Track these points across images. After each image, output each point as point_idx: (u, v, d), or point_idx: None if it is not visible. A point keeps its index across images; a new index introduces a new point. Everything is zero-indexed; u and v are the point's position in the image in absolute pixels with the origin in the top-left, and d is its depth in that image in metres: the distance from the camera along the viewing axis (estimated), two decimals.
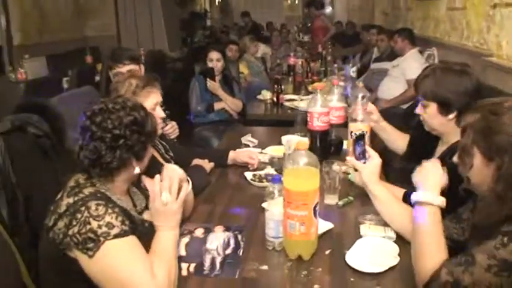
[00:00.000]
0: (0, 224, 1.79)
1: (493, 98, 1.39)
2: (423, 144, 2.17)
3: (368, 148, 1.82)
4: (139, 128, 1.51)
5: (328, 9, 11.10)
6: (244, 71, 5.50)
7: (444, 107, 1.88)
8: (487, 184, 1.32)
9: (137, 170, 1.55)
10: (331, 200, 2.03)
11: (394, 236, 1.70)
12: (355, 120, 2.24)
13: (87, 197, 1.41)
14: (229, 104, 4.11)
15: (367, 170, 1.76)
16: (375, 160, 1.78)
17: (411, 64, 4.66)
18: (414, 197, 1.49)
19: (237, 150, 2.61)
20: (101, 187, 1.49)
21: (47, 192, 2.31)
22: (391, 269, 1.51)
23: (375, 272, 1.50)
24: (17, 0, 6.25)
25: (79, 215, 1.36)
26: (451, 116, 1.89)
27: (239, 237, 1.74)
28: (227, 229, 1.80)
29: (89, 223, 1.35)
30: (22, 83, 4.12)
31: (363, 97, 2.31)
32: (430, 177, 1.51)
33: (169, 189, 1.52)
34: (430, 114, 1.94)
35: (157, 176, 1.54)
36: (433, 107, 1.91)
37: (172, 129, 2.82)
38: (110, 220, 1.37)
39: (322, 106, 2.42)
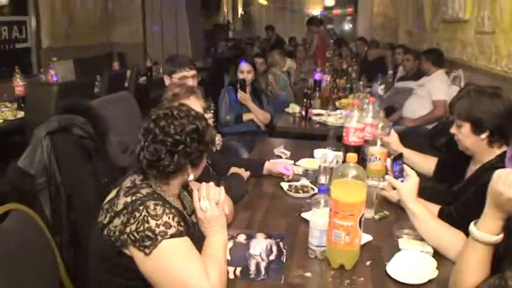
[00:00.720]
0: (43, 223, 1.82)
1: None
2: (454, 164, 2.23)
3: (406, 167, 1.88)
4: (199, 137, 1.58)
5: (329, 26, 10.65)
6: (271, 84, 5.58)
7: (477, 127, 1.95)
8: None
9: (191, 177, 1.63)
10: (368, 213, 2.07)
11: (431, 250, 1.75)
12: (374, 145, 2.39)
13: (145, 196, 1.48)
14: (258, 115, 4.18)
15: (406, 188, 1.82)
16: (412, 179, 1.84)
17: (437, 85, 4.70)
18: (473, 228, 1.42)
19: (271, 161, 2.67)
20: (157, 188, 1.56)
21: (88, 193, 2.40)
22: (430, 281, 1.56)
23: (415, 284, 1.55)
24: (48, 3, 6.40)
25: (137, 214, 1.42)
26: (484, 135, 1.96)
27: (281, 244, 1.79)
28: (268, 236, 1.86)
29: (147, 222, 1.41)
30: (55, 86, 4.21)
31: (382, 127, 2.48)
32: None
33: (206, 196, 1.59)
34: (463, 134, 2.01)
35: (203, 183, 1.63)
36: (466, 126, 1.98)
37: (219, 140, 3.07)
38: (168, 220, 1.43)
39: (358, 122, 2.49)
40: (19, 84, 4.52)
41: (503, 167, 1.42)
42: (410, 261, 1.67)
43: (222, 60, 7.40)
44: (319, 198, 1.69)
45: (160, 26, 8.85)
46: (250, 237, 1.85)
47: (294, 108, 4.24)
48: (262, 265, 1.66)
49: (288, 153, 2.93)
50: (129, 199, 1.47)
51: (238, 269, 1.63)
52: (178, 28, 9.17)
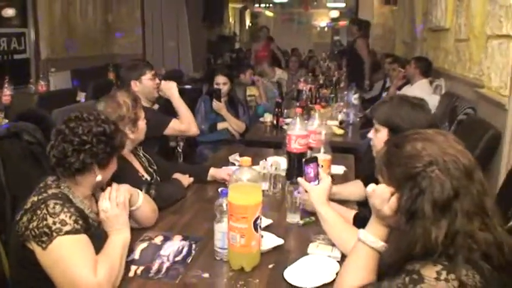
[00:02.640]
0: None
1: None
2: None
3: (320, 171, 1.91)
4: (106, 139, 1.69)
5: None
6: (255, 94, 5.63)
7: (394, 133, 1.94)
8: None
9: (99, 178, 1.71)
10: (293, 218, 2.11)
11: (339, 256, 1.76)
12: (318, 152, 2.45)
13: (49, 196, 1.59)
14: (232, 124, 4.24)
15: (316, 191, 1.84)
16: (324, 182, 1.86)
17: (416, 94, 4.69)
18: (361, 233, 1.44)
19: (223, 168, 2.71)
20: (65, 189, 1.66)
21: None
22: (324, 285, 1.58)
23: (307, 287, 1.57)
24: (47, 14, 6.55)
25: (39, 212, 1.54)
26: None
27: (193, 246, 1.84)
28: (185, 238, 1.90)
29: (46, 219, 1.52)
30: (36, 95, 4.34)
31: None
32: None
33: (108, 197, 1.70)
34: (380, 139, 2.00)
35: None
36: (384, 132, 1.98)
37: None
38: (64, 218, 1.53)
39: (300, 129, 2.52)
40: (6, 94, 4.67)
41: None
42: (312, 265, 1.70)
43: (213, 71, 7.48)
44: (222, 201, 1.73)
45: (161, 37, 8.98)
46: (166, 239, 1.90)
47: (266, 117, 4.28)
48: (165, 265, 1.70)
49: None
50: (36, 198, 1.60)
51: (141, 268, 1.68)
52: (180, 39, 9.30)
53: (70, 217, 1.54)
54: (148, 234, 1.94)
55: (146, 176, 2.34)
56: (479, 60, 3.73)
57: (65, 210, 1.55)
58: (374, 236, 1.40)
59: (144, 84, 3.13)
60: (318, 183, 1.89)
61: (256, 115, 4.92)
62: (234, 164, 2.93)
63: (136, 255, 1.77)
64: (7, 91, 4.71)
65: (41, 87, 5.35)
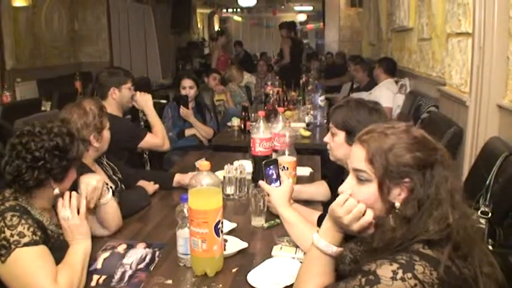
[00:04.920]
0: None
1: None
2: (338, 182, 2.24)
3: (281, 173, 1.91)
4: (60, 153, 1.65)
5: None
6: (223, 98, 5.63)
7: (351, 137, 1.96)
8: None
9: (56, 191, 1.69)
10: (258, 222, 2.11)
11: (303, 257, 1.77)
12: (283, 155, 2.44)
13: (7, 208, 1.56)
14: (200, 130, 4.23)
15: (277, 193, 1.85)
16: (284, 184, 1.87)
17: (382, 93, 4.78)
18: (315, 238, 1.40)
19: (187, 173, 2.69)
20: (23, 202, 1.63)
21: None
22: (287, 287, 1.58)
23: None
24: (11, 26, 6.44)
25: None
26: None
27: (157, 253, 1.82)
28: (148, 246, 1.89)
29: (3, 232, 1.50)
30: (1, 106, 4.27)
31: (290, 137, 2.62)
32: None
33: (68, 205, 1.67)
34: (337, 143, 2.02)
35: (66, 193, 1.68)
36: (341, 135, 2.00)
37: None
38: (22, 230, 1.51)
39: (264, 132, 2.53)
40: None
41: None
42: (276, 267, 1.70)
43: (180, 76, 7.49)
44: (182, 207, 1.72)
45: (128, 44, 8.91)
46: (129, 248, 1.87)
47: (234, 121, 4.28)
48: (128, 273, 1.68)
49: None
50: None
51: (103, 277, 1.66)
52: (148, 46, 9.25)
53: (28, 228, 1.52)
54: (111, 243, 1.91)
55: (111, 184, 2.31)
56: (441, 58, 3.81)
57: (23, 222, 1.53)
58: (327, 241, 1.36)
59: (123, 93, 3.10)
60: (280, 185, 1.90)
61: (226, 120, 4.91)
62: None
63: (98, 264, 1.74)
64: None
65: (6, 97, 5.26)
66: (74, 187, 1.78)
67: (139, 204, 2.31)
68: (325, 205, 2.32)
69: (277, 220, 2.11)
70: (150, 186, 2.50)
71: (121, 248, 1.87)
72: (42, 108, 4.94)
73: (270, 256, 1.80)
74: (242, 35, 14.49)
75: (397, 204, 1.25)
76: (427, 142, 1.26)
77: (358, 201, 1.29)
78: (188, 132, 4.22)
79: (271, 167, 1.89)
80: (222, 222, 1.65)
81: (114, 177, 2.42)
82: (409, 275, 1.14)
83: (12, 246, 1.48)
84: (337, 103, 2.14)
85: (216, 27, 15.33)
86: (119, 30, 8.63)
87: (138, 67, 8.84)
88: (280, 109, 2.88)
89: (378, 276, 1.16)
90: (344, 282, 1.25)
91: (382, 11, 6.83)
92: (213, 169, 2.80)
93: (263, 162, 1.92)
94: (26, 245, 1.49)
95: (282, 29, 8.39)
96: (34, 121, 1.71)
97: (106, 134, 2.29)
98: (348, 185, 1.33)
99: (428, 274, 1.14)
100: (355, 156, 1.32)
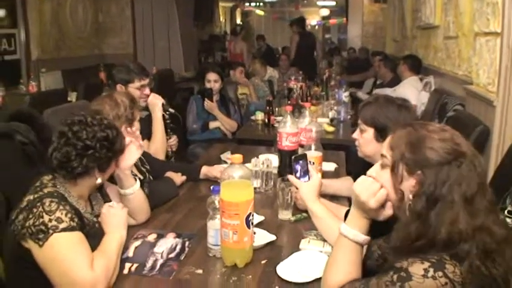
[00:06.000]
0: None
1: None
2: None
3: (310, 168, 1.93)
4: (108, 145, 1.72)
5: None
6: (246, 92, 5.65)
7: (381, 134, 1.96)
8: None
9: (99, 180, 1.75)
10: (285, 215, 2.14)
11: (330, 251, 1.79)
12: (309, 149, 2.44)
13: (45, 194, 1.60)
14: (224, 123, 4.28)
15: (306, 187, 1.88)
16: (314, 179, 1.89)
17: (407, 90, 4.75)
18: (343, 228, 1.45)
19: (214, 166, 2.73)
20: (61, 188, 1.68)
21: None
22: (316, 280, 1.60)
23: (300, 282, 1.60)
24: (37, 15, 6.54)
25: (35, 210, 1.55)
26: None
27: (187, 243, 1.86)
28: (178, 236, 1.92)
29: (42, 217, 1.54)
30: (27, 96, 4.35)
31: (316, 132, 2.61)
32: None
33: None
34: (365, 139, 2.02)
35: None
36: (370, 132, 2.00)
37: (174, 142, 3.18)
38: (60, 216, 1.55)
39: (291, 127, 2.55)
40: None
41: None
42: (304, 260, 1.72)
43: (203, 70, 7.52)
44: (214, 199, 1.75)
45: (151, 37, 8.98)
46: (160, 237, 1.91)
47: (257, 115, 4.30)
48: (159, 262, 1.72)
49: None
50: (31, 197, 1.61)
51: (135, 265, 1.70)
52: (171, 38, 9.31)
53: (66, 214, 1.56)
54: (142, 232, 1.96)
55: (139, 176, 2.36)
56: (468, 57, 3.78)
57: (61, 208, 1.57)
58: (355, 229, 1.42)
59: (129, 91, 3.03)
60: (308, 180, 1.92)
61: (249, 113, 4.94)
62: (225, 162, 2.95)
63: (130, 252, 1.78)
64: None
65: (32, 87, 5.35)
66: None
67: (167, 195, 2.35)
68: (351, 201, 2.33)
69: (304, 214, 2.13)
70: (178, 178, 2.53)
71: (151, 237, 1.91)
72: (68, 99, 5.01)
73: (298, 249, 1.83)
74: (264, 29, 14.46)
75: (410, 196, 1.28)
76: (453, 145, 1.26)
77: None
78: (212, 124, 4.27)
79: (301, 161, 1.91)
80: (252, 215, 1.67)
81: (142, 168, 2.46)
82: (440, 273, 1.15)
83: (50, 231, 1.52)
84: (365, 100, 2.15)
85: (238, 21, 15.35)
86: (142, 22, 8.70)
87: (161, 59, 8.91)
88: (307, 104, 2.88)
89: (409, 273, 1.18)
90: (376, 277, 1.27)
91: (407, 7, 6.77)
92: None
93: (292, 157, 1.94)
94: (63, 230, 1.53)
95: (292, 26, 8.58)
96: (82, 112, 1.76)
97: (136, 125, 2.33)
98: (374, 169, 1.42)
99: (458, 273, 1.16)
100: (385, 143, 1.40)
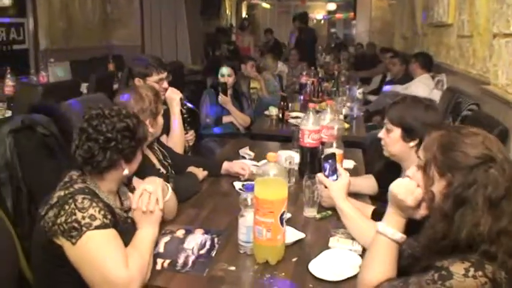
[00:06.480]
0: (4, 214, 1.97)
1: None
2: (388, 176, 2.25)
3: (339, 166, 1.94)
4: (130, 134, 1.69)
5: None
6: (257, 86, 5.65)
7: (408, 134, 1.98)
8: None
9: (126, 172, 1.73)
10: (310, 212, 2.14)
11: (360, 249, 1.80)
12: (330, 147, 2.42)
13: (76, 191, 1.59)
14: (238, 118, 4.28)
15: (335, 186, 1.89)
16: (343, 177, 1.91)
17: (419, 88, 4.76)
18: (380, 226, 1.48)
19: (234, 161, 2.73)
20: (91, 184, 1.67)
21: (50, 187, 2.52)
22: (349, 279, 1.61)
23: (333, 281, 1.60)
24: (45, 6, 6.52)
25: (67, 207, 1.53)
26: (413, 143, 1.99)
27: (215, 240, 1.87)
28: (206, 232, 1.93)
29: (75, 214, 1.52)
30: (40, 86, 4.34)
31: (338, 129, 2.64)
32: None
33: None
34: (392, 139, 2.04)
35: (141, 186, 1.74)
36: (396, 132, 2.02)
37: (191, 136, 3.12)
38: (93, 213, 1.54)
39: (313, 124, 2.55)
40: (8, 85, 4.67)
41: None
42: (335, 259, 1.73)
43: (213, 63, 7.51)
44: (247, 196, 1.76)
45: (159, 29, 8.97)
46: (188, 233, 1.92)
47: (271, 111, 4.30)
48: (191, 258, 1.72)
49: (252, 154, 3.00)
50: (62, 193, 1.59)
51: (167, 261, 1.70)
52: (178, 31, 9.30)
53: (99, 212, 1.55)
54: (170, 227, 1.96)
55: (162, 170, 2.36)
56: (484, 57, 3.78)
57: (94, 205, 1.55)
58: (392, 227, 1.45)
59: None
60: (337, 179, 1.92)
61: (260, 108, 4.93)
62: (244, 158, 2.96)
63: (160, 248, 1.79)
64: (9, 82, 4.71)
65: (42, 77, 5.34)
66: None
67: (191, 190, 2.35)
68: (372, 199, 2.34)
69: (329, 211, 2.14)
70: (200, 173, 2.53)
71: (180, 233, 1.92)
72: (84, 91, 4.99)
73: (327, 247, 1.83)
74: (269, 22, 14.43)
75: (439, 197, 1.32)
76: (484, 149, 1.28)
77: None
78: (225, 119, 4.27)
79: (330, 160, 1.92)
80: (286, 213, 1.68)
81: (164, 162, 2.46)
82: (480, 273, 1.18)
83: (84, 229, 1.50)
84: (393, 100, 2.16)
85: (244, 14, 15.29)
86: (150, 15, 8.69)
87: (169, 52, 8.90)
88: (330, 101, 2.88)
89: (450, 272, 1.20)
90: (416, 276, 1.29)
91: (417, 5, 6.76)
92: (256, 158, 2.89)
93: (322, 156, 1.95)
94: (97, 227, 1.52)
95: (295, 21, 8.74)
96: (99, 105, 1.75)
97: (160, 119, 2.33)
98: (412, 170, 1.45)
99: (497, 273, 1.18)
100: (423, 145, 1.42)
